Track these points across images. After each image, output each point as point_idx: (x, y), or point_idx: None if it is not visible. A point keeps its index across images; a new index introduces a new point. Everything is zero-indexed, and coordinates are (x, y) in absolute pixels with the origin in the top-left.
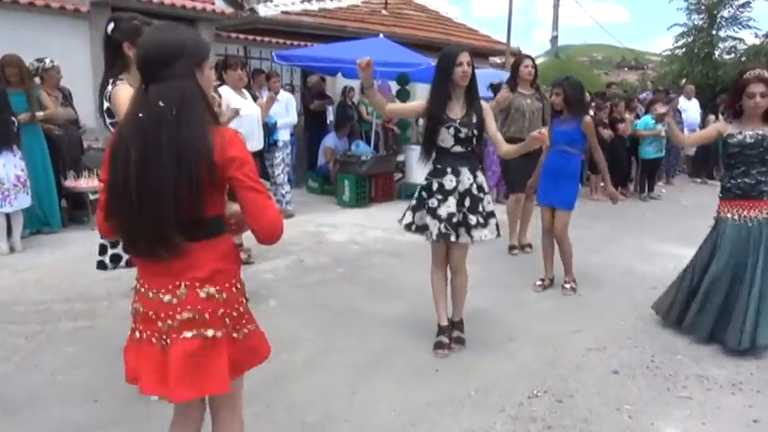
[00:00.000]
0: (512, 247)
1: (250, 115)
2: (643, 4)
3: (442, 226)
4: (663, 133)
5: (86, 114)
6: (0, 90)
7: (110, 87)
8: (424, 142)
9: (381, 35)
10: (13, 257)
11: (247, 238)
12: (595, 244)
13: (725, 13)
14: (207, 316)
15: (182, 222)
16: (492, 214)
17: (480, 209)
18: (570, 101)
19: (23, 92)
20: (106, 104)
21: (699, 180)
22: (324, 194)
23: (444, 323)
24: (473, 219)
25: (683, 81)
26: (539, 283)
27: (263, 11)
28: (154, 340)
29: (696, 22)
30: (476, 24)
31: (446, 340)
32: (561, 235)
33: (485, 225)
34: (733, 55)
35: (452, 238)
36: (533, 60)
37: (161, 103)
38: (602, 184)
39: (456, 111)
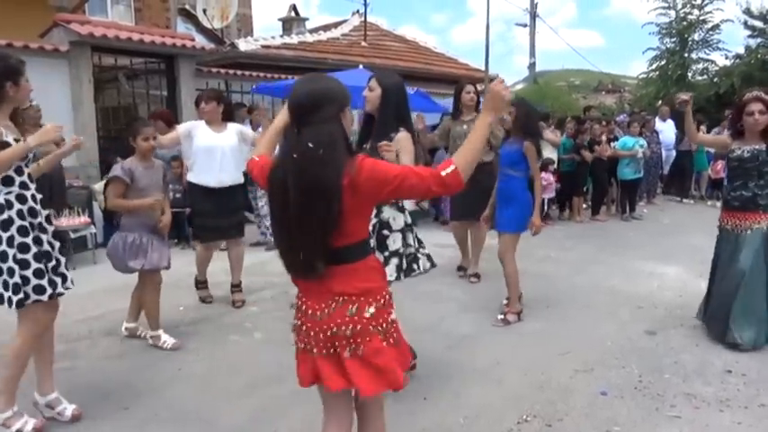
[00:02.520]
0: (459, 268)
1: (215, 147)
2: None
3: None
4: (640, 154)
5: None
6: None
7: None
8: None
9: (361, 66)
10: None
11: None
12: (579, 265)
13: (695, 37)
14: (358, 328)
15: (330, 247)
16: (395, 254)
17: (393, 247)
18: (519, 122)
19: None
20: None
21: (678, 199)
22: None
23: None
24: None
25: (659, 103)
26: (505, 302)
27: (244, 45)
28: (317, 350)
29: (669, 46)
30: (455, 53)
31: None
32: (503, 257)
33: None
34: (705, 76)
35: None
36: (475, 86)
37: (310, 144)
38: (585, 206)
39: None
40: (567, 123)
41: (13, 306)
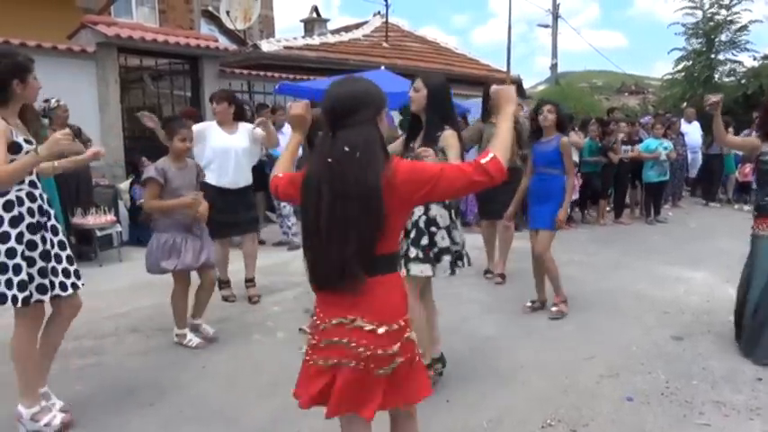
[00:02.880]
0: (486, 272)
1: (229, 149)
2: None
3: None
4: (663, 156)
5: None
6: None
7: None
8: None
9: (383, 67)
10: None
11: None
12: (604, 269)
13: (723, 37)
14: (371, 349)
15: (362, 258)
16: (446, 251)
17: (425, 242)
18: (562, 120)
19: (30, 132)
20: None
21: (703, 202)
22: None
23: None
24: (413, 251)
25: (684, 104)
26: (528, 304)
27: (266, 46)
28: (322, 363)
29: (695, 46)
30: (476, 53)
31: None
32: (542, 256)
33: (425, 260)
34: (733, 77)
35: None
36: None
37: (346, 148)
38: (608, 209)
39: (420, 139)
40: (591, 125)
41: (19, 303)
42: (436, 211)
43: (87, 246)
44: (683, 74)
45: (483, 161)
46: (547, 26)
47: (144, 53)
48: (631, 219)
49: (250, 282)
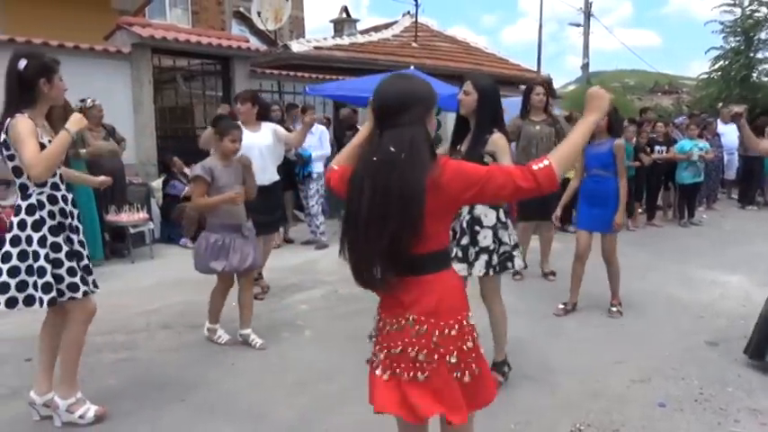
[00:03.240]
0: (515, 273)
1: (253, 147)
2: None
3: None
4: (695, 156)
5: (127, 151)
6: None
7: (9, 120)
8: None
9: (412, 67)
10: None
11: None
12: (636, 272)
13: (762, 35)
14: (424, 352)
15: (395, 256)
16: (485, 250)
17: (465, 242)
18: (614, 124)
19: None
20: (2, 137)
21: (739, 205)
22: None
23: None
24: (452, 250)
25: (721, 104)
26: (561, 306)
27: (296, 47)
28: (386, 368)
29: (733, 45)
30: (505, 53)
31: None
32: (610, 257)
33: (462, 259)
34: None
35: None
36: (545, 87)
37: (392, 148)
38: (639, 210)
39: (467, 141)
40: (629, 127)
41: (45, 305)
42: (481, 210)
43: (120, 243)
44: (719, 73)
45: (535, 167)
46: (578, 25)
47: (177, 54)
48: (664, 221)
49: (257, 279)
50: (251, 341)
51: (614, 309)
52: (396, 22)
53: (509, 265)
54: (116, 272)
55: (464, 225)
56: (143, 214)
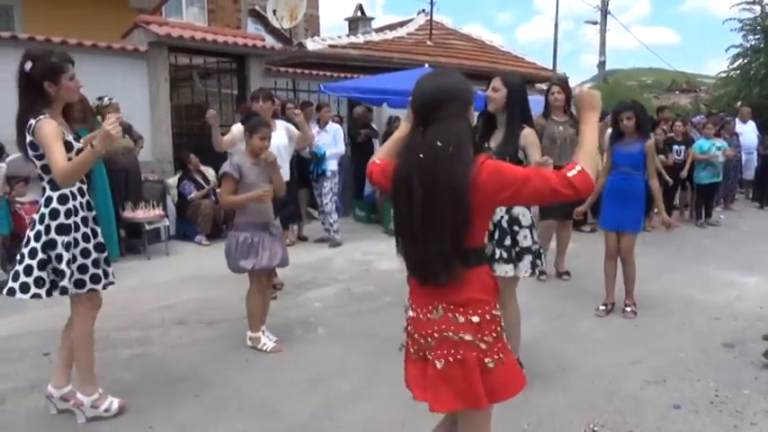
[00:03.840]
0: (541, 273)
1: (272, 146)
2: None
3: None
4: (720, 158)
5: (143, 148)
6: None
7: (32, 121)
8: None
9: (427, 65)
10: None
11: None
12: (652, 272)
13: None
14: (460, 338)
15: (457, 252)
16: (527, 250)
17: (508, 243)
18: (642, 124)
19: (86, 128)
20: (29, 138)
21: (757, 205)
22: (371, 223)
23: None
24: (497, 252)
25: (739, 103)
26: (602, 307)
27: (311, 45)
28: (417, 354)
29: (752, 43)
30: (521, 51)
31: None
32: (627, 257)
33: (508, 260)
34: None
35: None
36: (562, 86)
37: (438, 143)
38: (655, 211)
39: (497, 138)
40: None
41: (70, 292)
42: (519, 210)
43: (136, 239)
44: (738, 72)
45: (570, 174)
46: (595, 23)
47: (193, 52)
48: (681, 221)
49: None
50: (261, 346)
51: (628, 309)
52: (410, 21)
53: (538, 263)
54: (132, 268)
55: (504, 225)
56: (158, 211)
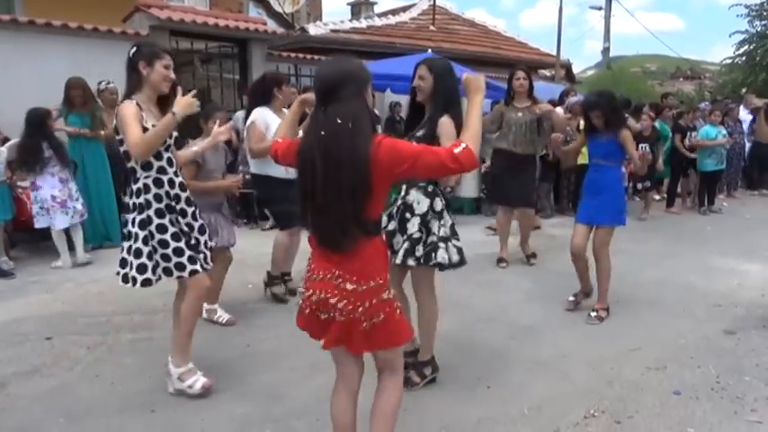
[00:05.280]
0: (500, 260)
1: None
2: (698, 12)
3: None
4: (727, 145)
5: None
6: (34, 116)
7: (118, 107)
8: None
9: (429, 51)
10: (76, 271)
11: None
12: (652, 258)
13: None
14: (352, 299)
15: (357, 221)
16: (409, 238)
17: (390, 227)
18: (610, 120)
19: (88, 113)
20: (114, 122)
21: (756, 192)
22: None
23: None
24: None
25: (744, 90)
26: (570, 299)
27: (313, 30)
28: (317, 313)
29: (758, 29)
30: (524, 37)
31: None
32: (600, 253)
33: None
34: None
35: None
36: (526, 72)
37: (338, 120)
38: (656, 197)
39: (420, 130)
40: (667, 112)
41: (138, 285)
42: (414, 196)
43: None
44: (743, 58)
45: (456, 150)
46: (599, 8)
47: (194, 36)
48: (682, 208)
49: (288, 275)
50: (216, 318)
51: (593, 314)
52: (413, 5)
53: (433, 256)
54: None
55: (394, 211)
56: None
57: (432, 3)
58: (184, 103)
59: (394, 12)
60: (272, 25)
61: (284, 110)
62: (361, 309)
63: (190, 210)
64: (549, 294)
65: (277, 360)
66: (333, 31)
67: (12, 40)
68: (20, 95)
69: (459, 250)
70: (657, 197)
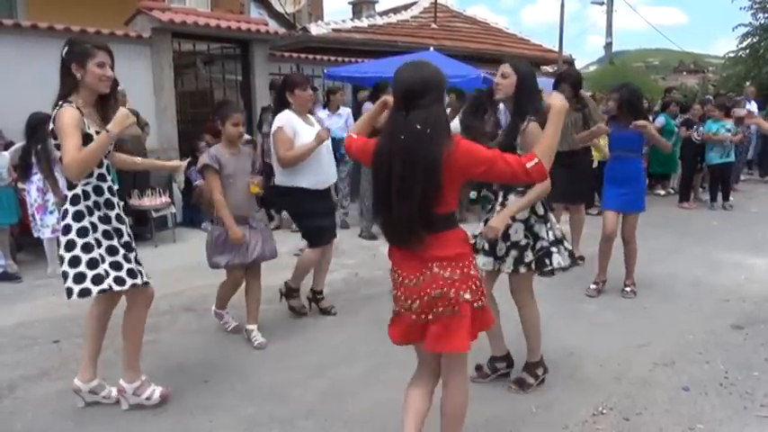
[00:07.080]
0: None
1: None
2: (701, 5)
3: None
4: (737, 137)
5: (149, 136)
6: (31, 121)
7: (56, 109)
8: None
9: (432, 48)
10: None
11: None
12: (660, 254)
13: None
14: (450, 291)
15: (423, 217)
16: (515, 245)
17: (513, 238)
18: (624, 107)
19: None
20: (51, 125)
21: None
22: None
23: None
24: (479, 243)
25: (748, 83)
26: (593, 286)
27: (315, 30)
28: (413, 316)
29: (762, 22)
30: (526, 33)
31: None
32: (630, 237)
33: (489, 253)
34: None
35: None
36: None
37: (419, 126)
38: (661, 192)
39: (488, 125)
40: (672, 106)
41: (74, 296)
42: (512, 201)
43: (143, 226)
44: (747, 51)
45: (528, 165)
46: (602, 3)
47: (196, 38)
48: (693, 204)
49: (321, 293)
50: (252, 338)
51: (628, 289)
52: (415, 3)
53: (546, 262)
54: (139, 256)
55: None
56: (165, 198)
57: (433, 0)
58: (119, 120)
59: (395, 10)
60: (273, 26)
61: (309, 115)
62: (461, 292)
63: (127, 220)
64: (555, 291)
65: (284, 360)
66: (334, 30)
67: (15, 44)
68: (23, 100)
69: (571, 253)
70: (662, 192)
